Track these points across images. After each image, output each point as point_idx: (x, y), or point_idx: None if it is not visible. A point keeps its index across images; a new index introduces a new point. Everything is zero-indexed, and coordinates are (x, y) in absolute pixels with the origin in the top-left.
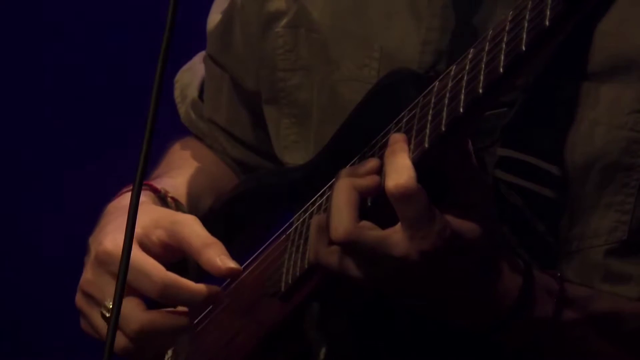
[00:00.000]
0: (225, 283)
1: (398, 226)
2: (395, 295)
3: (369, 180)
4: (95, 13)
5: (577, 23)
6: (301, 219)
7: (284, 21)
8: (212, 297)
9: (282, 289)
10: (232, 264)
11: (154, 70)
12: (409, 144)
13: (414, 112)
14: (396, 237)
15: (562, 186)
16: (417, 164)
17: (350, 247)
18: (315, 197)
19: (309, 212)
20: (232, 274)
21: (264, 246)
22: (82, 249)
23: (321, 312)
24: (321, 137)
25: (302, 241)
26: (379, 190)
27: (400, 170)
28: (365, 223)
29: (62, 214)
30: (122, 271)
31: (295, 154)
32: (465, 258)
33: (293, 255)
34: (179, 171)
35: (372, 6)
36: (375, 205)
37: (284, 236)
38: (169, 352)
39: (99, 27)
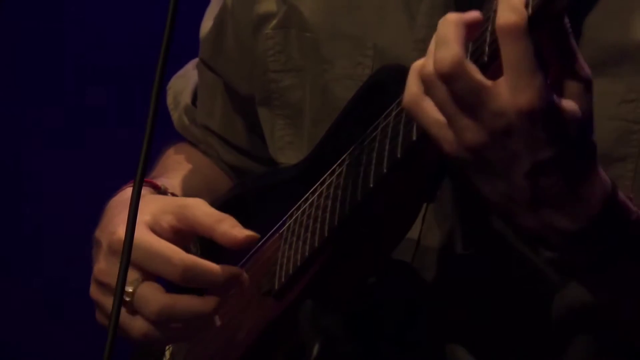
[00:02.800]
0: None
1: (501, 79)
2: (472, 164)
3: (479, 15)
4: (95, 13)
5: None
6: (294, 217)
7: (273, 22)
8: (234, 278)
9: (276, 286)
10: (248, 232)
11: (154, 71)
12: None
13: None
14: (499, 87)
15: None
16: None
17: (450, 82)
18: (307, 194)
19: (301, 209)
20: (250, 242)
21: (258, 244)
22: (81, 248)
23: (314, 309)
24: (315, 137)
25: (294, 239)
26: (487, 29)
27: (513, 7)
28: (473, 65)
29: (61, 215)
30: (122, 270)
31: (290, 154)
32: (557, 139)
33: (286, 253)
34: (175, 173)
35: (365, 4)
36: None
37: (278, 234)
38: (167, 354)
39: (98, 27)
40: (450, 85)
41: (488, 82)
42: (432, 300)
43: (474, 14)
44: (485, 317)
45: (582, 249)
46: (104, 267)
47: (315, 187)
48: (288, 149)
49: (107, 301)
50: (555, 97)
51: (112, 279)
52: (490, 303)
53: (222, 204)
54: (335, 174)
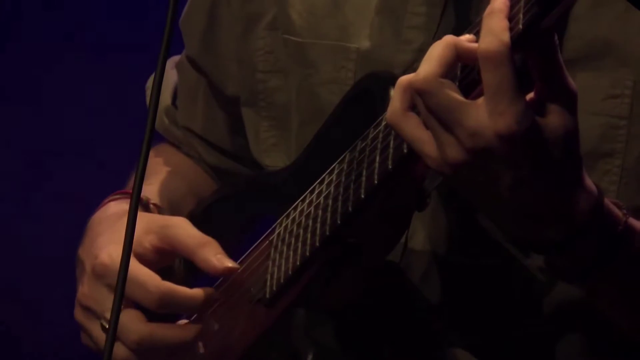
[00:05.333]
0: (216, 284)
1: (481, 99)
2: (455, 178)
3: (473, 44)
4: (95, 13)
5: None
6: (283, 225)
7: (264, 23)
8: (209, 301)
9: (267, 295)
10: (229, 262)
11: (153, 70)
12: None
13: None
14: (475, 106)
15: None
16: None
17: (424, 97)
18: (297, 202)
19: (291, 217)
20: (229, 273)
21: (247, 253)
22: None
23: (306, 319)
24: (302, 139)
25: (285, 247)
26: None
27: (494, 33)
28: (449, 83)
29: (59, 216)
30: (120, 281)
31: (275, 156)
32: (538, 158)
33: (277, 262)
34: (156, 177)
35: (348, 7)
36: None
37: (267, 242)
38: None
39: (98, 27)
40: (425, 100)
41: (465, 101)
42: (420, 303)
43: (469, 37)
44: (474, 317)
45: (569, 256)
46: (87, 291)
47: (305, 195)
48: (273, 151)
49: (91, 325)
50: (536, 119)
51: (95, 303)
52: (479, 303)
53: (206, 207)
54: (325, 183)
